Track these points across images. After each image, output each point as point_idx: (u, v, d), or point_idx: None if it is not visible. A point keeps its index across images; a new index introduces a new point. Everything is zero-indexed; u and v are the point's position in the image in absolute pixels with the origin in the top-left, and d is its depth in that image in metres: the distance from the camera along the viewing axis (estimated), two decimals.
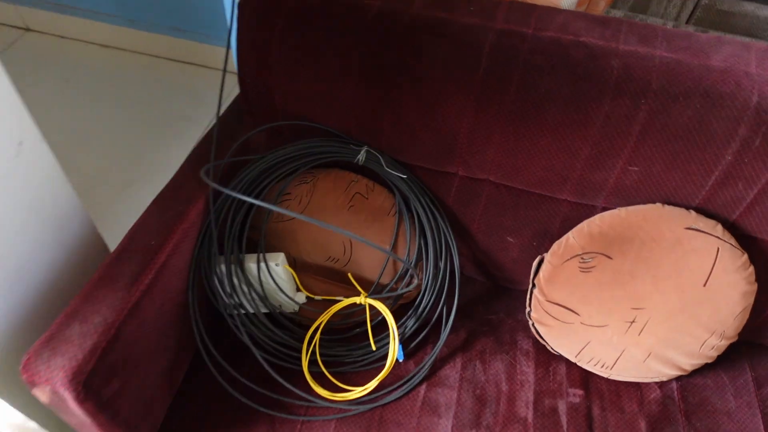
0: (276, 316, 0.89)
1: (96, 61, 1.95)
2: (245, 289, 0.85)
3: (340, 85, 0.85)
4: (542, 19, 0.83)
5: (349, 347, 0.90)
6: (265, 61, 0.86)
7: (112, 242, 0.82)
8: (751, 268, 0.82)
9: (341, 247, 0.92)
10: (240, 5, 0.84)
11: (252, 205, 0.90)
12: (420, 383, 0.89)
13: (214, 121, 1.76)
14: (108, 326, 0.67)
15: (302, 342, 0.87)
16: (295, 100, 0.88)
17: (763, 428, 0.88)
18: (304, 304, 0.90)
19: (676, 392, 0.91)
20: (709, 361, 0.88)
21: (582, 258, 0.83)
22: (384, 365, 0.87)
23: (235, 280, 0.84)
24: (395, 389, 0.87)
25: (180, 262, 0.79)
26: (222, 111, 0.96)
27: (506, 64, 0.79)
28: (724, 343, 0.86)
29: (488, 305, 1.01)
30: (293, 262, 0.94)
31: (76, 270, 0.83)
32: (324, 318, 0.88)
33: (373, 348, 0.88)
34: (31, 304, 0.75)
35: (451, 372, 0.91)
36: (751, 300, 0.83)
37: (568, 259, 0.84)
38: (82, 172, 1.59)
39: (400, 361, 0.90)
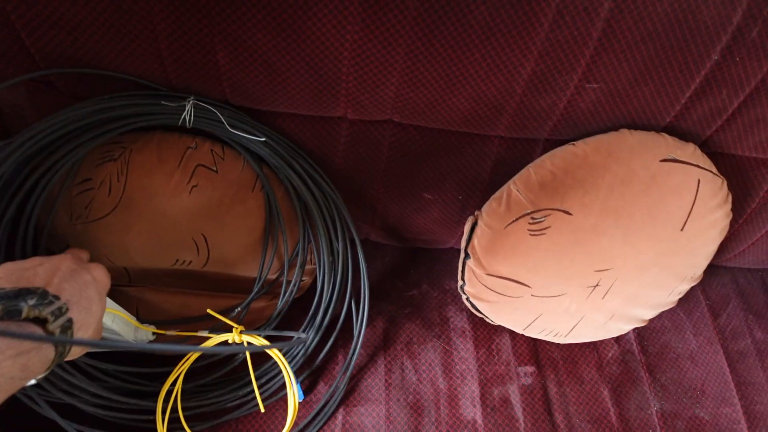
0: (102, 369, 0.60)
1: None
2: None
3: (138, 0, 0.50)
4: None
5: (227, 388, 0.64)
6: None
7: None
8: (730, 197, 0.65)
9: (191, 243, 0.63)
10: None
11: (25, 203, 0.56)
12: (336, 409, 0.66)
13: None
14: None
15: (155, 401, 0.59)
16: (66, 29, 0.51)
17: (727, 366, 0.77)
18: (151, 341, 0.61)
19: (634, 344, 0.77)
20: (672, 306, 0.73)
21: (532, 218, 0.60)
22: (283, 397, 0.63)
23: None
24: (305, 427, 0.64)
25: None
26: None
27: None
28: (687, 286, 0.71)
29: (406, 277, 0.78)
30: (125, 274, 0.64)
31: None
32: (182, 369, 0.60)
33: (257, 395, 0.62)
34: None
35: (374, 381, 0.69)
36: (725, 234, 0.67)
37: (512, 221, 0.61)
38: None
39: (300, 401, 0.65)
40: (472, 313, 0.74)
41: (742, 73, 0.57)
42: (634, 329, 0.78)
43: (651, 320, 0.77)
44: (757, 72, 0.57)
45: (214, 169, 0.61)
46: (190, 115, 0.55)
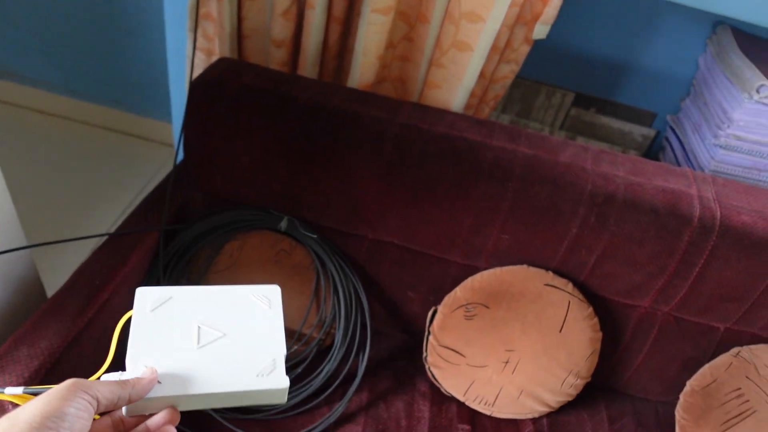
0: None
1: (35, 127, 2.03)
2: None
3: (272, 161, 1.02)
4: (436, 117, 1.06)
5: None
6: (207, 139, 1.02)
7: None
8: (596, 319, 1.03)
9: None
10: (191, 86, 1.01)
11: (189, 261, 1.03)
12: (329, 426, 1.01)
13: (145, 187, 1.86)
14: (53, 351, 0.76)
15: None
16: (232, 171, 1.04)
17: None
18: None
19: (545, 428, 1.09)
20: (570, 398, 1.07)
21: (466, 308, 1.01)
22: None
23: None
24: (311, 430, 0.98)
25: (121, 303, 0.89)
26: (153, 181, 1.09)
27: (406, 150, 1.00)
28: (580, 382, 1.05)
29: (393, 353, 1.16)
30: None
31: (15, 309, 0.91)
32: None
33: None
34: None
35: (358, 410, 1.04)
36: (598, 345, 1.04)
37: (455, 309, 1.02)
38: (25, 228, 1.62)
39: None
40: (432, 382, 1.10)
41: (592, 243, 1.01)
42: (547, 417, 1.10)
43: (560, 413, 1.09)
44: (598, 243, 1.00)
45: (289, 253, 1.07)
46: (285, 224, 1.04)
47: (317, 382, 1.02)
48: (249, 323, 0.52)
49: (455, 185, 1.00)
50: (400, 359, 1.15)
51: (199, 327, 0.50)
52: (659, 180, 1.02)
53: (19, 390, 0.45)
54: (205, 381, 0.46)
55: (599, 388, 1.16)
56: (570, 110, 1.55)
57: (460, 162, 0.99)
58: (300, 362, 1.05)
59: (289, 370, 1.03)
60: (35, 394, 0.40)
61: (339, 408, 1.00)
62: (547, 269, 1.04)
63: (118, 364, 0.47)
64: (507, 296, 1.00)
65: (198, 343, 0.49)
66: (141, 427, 0.45)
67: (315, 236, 1.05)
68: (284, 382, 0.49)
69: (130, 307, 0.51)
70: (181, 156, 1.08)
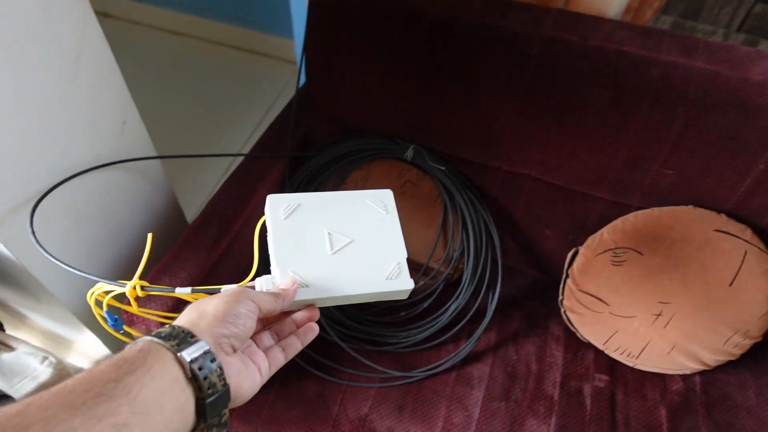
0: None
1: (166, 47, 2.11)
2: None
3: (398, 86, 0.94)
4: (589, 27, 0.89)
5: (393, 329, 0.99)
6: (329, 61, 0.95)
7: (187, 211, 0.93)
8: None
9: None
10: (310, 5, 0.94)
11: (315, 190, 1.01)
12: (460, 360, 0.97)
13: (272, 107, 1.87)
14: (192, 282, 0.78)
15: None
16: (356, 96, 0.97)
17: None
18: None
19: (698, 385, 0.97)
20: (733, 358, 0.93)
21: (614, 252, 0.89)
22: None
23: None
24: (437, 366, 0.96)
25: (251, 232, 0.90)
26: (280, 100, 1.05)
27: (551, 70, 0.86)
28: (748, 342, 0.91)
29: (525, 292, 1.09)
30: None
31: (159, 234, 0.96)
32: None
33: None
34: (125, 260, 0.87)
35: (486, 349, 0.99)
36: None
37: (600, 253, 0.90)
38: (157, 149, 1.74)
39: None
40: (567, 327, 1.01)
41: None
42: (701, 374, 0.97)
43: (717, 372, 0.96)
44: None
45: (416, 184, 1.00)
46: (411, 153, 0.97)
47: (445, 319, 0.99)
48: (372, 228, 0.56)
49: (611, 110, 0.85)
50: (534, 298, 1.07)
51: (329, 234, 0.54)
52: None
53: (188, 290, 0.54)
54: (341, 285, 0.51)
55: None
56: (754, 6, 1.25)
57: (618, 82, 0.84)
58: (427, 296, 1.01)
59: (416, 303, 1.00)
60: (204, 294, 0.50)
61: (467, 346, 0.96)
62: (719, 211, 0.88)
63: (261, 271, 0.53)
64: (666, 241, 0.86)
65: (331, 249, 0.53)
66: (288, 320, 0.51)
67: (443, 168, 0.97)
68: (410, 284, 0.54)
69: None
70: (303, 79, 1.03)
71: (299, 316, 0.51)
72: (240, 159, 0.98)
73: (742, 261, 0.85)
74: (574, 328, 0.99)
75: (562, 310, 0.99)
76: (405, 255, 0.56)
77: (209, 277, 0.80)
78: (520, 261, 1.09)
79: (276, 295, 0.47)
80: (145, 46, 2.11)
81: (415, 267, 1.03)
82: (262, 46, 2.03)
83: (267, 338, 0.49)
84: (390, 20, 0.92)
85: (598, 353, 1.00)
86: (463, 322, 0.98)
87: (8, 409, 0.30)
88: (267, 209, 0.54)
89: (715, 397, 0.95)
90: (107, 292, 0.58)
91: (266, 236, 0.54)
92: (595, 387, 0.95)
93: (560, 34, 0.88)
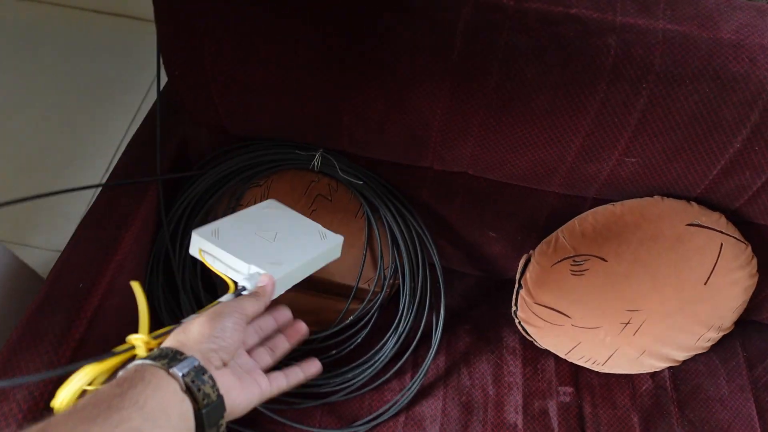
0: None
1: (12, 18, 1.71)
2: None
3: (289, 74, 0.71)
4: None
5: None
6: (194, 45, 0.71)
7: (62, 238, 0.70)
8: (755, 261, 0.76)
9: None
10: None
11: (206, 215, 0.79)
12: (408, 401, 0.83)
13: (154, 83, 1.57)
14: (36, 401, 0.57)
15: None
16: (236, 91, 0.74)
17: (756, 414, 0.85)
18: None
19: (668, 381, 0.88)
20: (703, 351, 0.83)
21: (574, 260, 0.75)
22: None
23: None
24: (382, 413, 0.80)
25: (120, 300, 0.68)
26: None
27: (485, 46, 0.66)
28: (720, 335, 0.81)
29: (471, 299, 0.94)
30: None
31: (6, 312, 0.72)
32: None
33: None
34: None
35: (435, 379, 0.85)
36: (751, 292, 0.78)
37: (558, 261, 0.76)
38: (11, 154, 1.42)
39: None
40: (522, 335, 0.88)
41: (762, 160, 0.69)
42: (669, 369, 0.88)
43: (686, 363, 0.87)
44: None
45: (329, 198, 0.81)
46: (319, 162, 0.76)
47: (386, 353, 0.83)
48: (282, 222, 0.68)
49: (560, 93, 0.67)
50: (480, 305, 0.93)
51: (258, 233, 0.63)
52: None
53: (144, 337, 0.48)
54: (295, 259, 0.60)
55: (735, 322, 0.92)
56: None
57: (567, 58, 0.66)
58: (362, 327, 0.85)
59: (349, 337, 0.84)
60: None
61: (414, 384, 0.81)
62: (688, 199, 0.74)
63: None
64: (632, 243, 0.73)
65: (270, 240, 0.62)
66: (268, 317, 0.55)
67: (360, 182, 0.77)
68: (340, 237, 0.69)
69: (130, 305, 0.53)
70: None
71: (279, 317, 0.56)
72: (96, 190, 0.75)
73: (718, 255, 0.73)
74: (531, 338, 0.86)
75: (517, 320, 0.85)
76: (318, 225, 0.70)
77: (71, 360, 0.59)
78: (461, 264, 0.94)
79: (256, 294, 0.51)
80: None
81: (342, 292, 0.85)
82: (132, 6, 1.69)
83: (264, 354, 0.51)
84: None
85: (560, 361, 0.88)
86: (408, 353, 0.83)
87: (30, 428, 0.32)
88: (197, 241, 0.58)
89: (686, 392, 0.87)
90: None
91: (202, 266, 0.64)
92: (560, 403, 0.84)
93: None
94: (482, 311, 0.93)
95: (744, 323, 0.93)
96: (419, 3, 0.67)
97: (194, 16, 0.68)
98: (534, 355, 0.88)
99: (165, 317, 0.77)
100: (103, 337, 0.65)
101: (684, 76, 0.65)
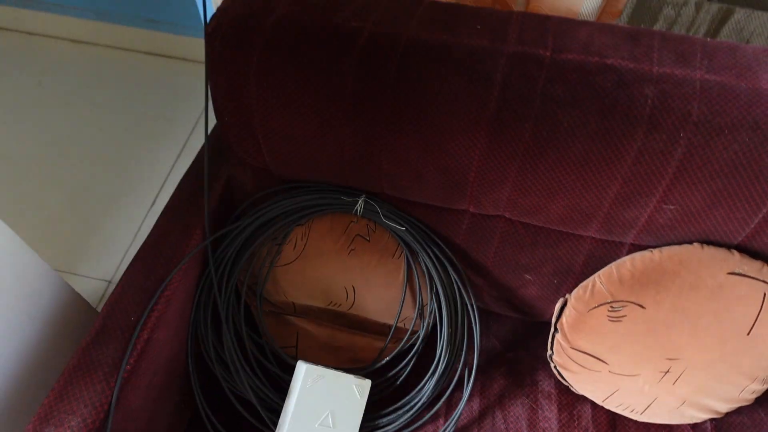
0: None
1: (68, 59, 1.83)
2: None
3: (331, 123, 0.75)
4: (561, 35, 0.72)
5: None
6: (242, 97, 0.75)
7: (109, 267, 0.74)
8: None
9: (343, 291, 0.85)
10: (208, 36, 0.73)
11: (250, 259, 0.82)
12: None
13: (200, 120, 1.64)
14: (88, 428, 0.60)
15: None
16: (281, 139, 0.78)
17: None
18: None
19: (709, 431, 0.85)
20: (747, 404, 0.81)
21: (611, 306, 0.75)
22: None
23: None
24: None
25: (166, 333, 0.71)
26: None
27: (521, 96, 0.68)
28: (765, 387, 0.79)
29: (506, 342, 0.94)
30: (292, 307, 0.87)
31: (60, 340, 0.76)
32: None
33: None
34: (8, 395, 0.67)
35: (469, 422, 0.84)
36: None
37: (594, 307, 0.76)
38: (64, 186, 1.50)
39: None
40: (558, 380, 0.87)
41: None
42: (712, 421, 0.86)
43: (729, 415, 0.85)
44: None
45: (368, 239, 0.83)
46: (362, 207, 0.79)
47: (426, 393, 0.83)
48: (330, 397, 0.76)
49: (597, 142, 0.68)
50: (516, 349, 0.93)
51: (319, 424, 0.74)
52: None
53: None
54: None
55: None
56: None
57: (604, 109, 0.67)
58: (404, 367, 0.85)
59: (390, 379, 0.84)
60: None
61: (449, 427, 0.81)
62: (729, 247, 0.74)
63: None
64: (672, 291, 0.72)
65: (330, 426, 0.74)
66: None
67: (403, 227, 0.79)
68: (368, 382, 0.78)
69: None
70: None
71: None
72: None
73: (762, 305, 0.71)
74: (567, 383, 0.85)
75: (552, 365, 0.85)
76: (351, 376, 0.78)
77: (114, 414, 0.62)
78: (498, 306, 0.94)
79: None
80: (44, 61, 1.82)
81: (379, 330, 0.87)
82: (178, 48, 1.78)
83: None
84: (314, 42, 0.72)
85: (596, 408, 0.86)
86: (444, 398, 0.83)
87: None
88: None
89: None
90: None
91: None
92: None
93: (527, 48, 0.70)
94: (518, 354, 0.93)
95: None
96: (457, 54, 0.70)
97: (241, 69, 0.73)
98: (570, 400, 0.87)
99: (210, 349, 0.80)
100: (151, 367, 0.68)
101: (723, 126, 0.66)
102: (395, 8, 0.76)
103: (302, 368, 0.74)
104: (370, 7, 0.76)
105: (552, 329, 0.82)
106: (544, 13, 0.82)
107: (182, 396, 0.79)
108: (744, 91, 0.66)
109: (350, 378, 0.76)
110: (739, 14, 1.20)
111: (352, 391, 0.76)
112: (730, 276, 0.71)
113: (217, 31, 0.75)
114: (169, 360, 0.74)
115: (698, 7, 1.21)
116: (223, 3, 0.76)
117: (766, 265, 0.72)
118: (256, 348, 0.84)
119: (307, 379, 0.74)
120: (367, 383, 0.78)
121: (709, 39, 0.72)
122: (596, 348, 0.77)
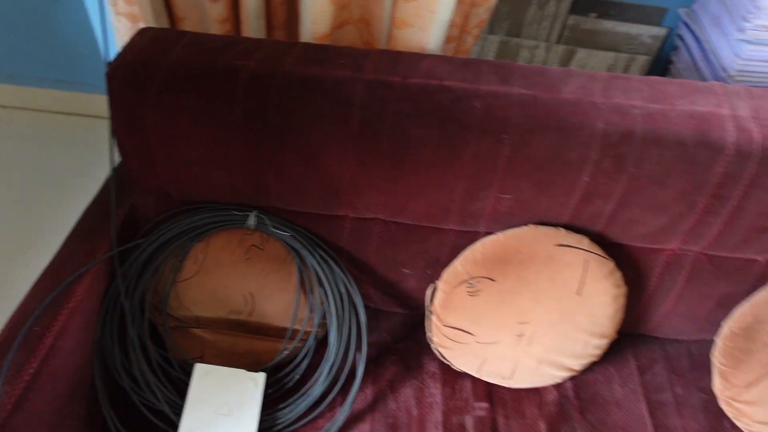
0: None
1: None
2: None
3: (223, 150, 0.86)
4: (409, 66, 0.88)
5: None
6: (141, 129, 0.85)
7: None
8: (619, 273, 0.91)
9: (242, 299, 0.94)
10: (109, 77, 0.83)
11: (153, 274, 0.90)
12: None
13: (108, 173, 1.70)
14: None
15: None
16: (179, 165, 0.88)
17: (647, 413, 0.98)
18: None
19: (570, 391, 1.00)
20: (596, 358, 0.97)
21: (469, 283, 0.89)
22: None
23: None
24: None
25: (71, 342, 0.78)
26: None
27: (377, 114, 0.83)
28: (605, 342, 0.95)
29: (396, 334, 1.06)
30: (196, 320, 0.95)
31: None
32: None
33: None
34: None
35: (364, 407, 0.95)
36: (623, 301, 0.92)
37: (456, 285, 0.90)
38: None
39: None
40: (440, 360, 1.00)
41: (608, 190, 0.86)
42: (571, 380, 1.01)
43: (585, 373, 1.00)
44: (616, 189, 0.85)
45: (261, 248, 0.93)
46: (254, 221, 0.90)
47: (320, 384, 0.92)
48: (226, 391, 0.86)
49: (441, 147, 0.84)
50: (404, 339, 1.05)
51: (216, 412, 0.83)
52: (684, 103, 0.85)
53: None
54: (250, 419, 0.84)
55: (625, 335, 1.06)
56: (567, 19, 1.34)
57: (443, 119, 0.83)
58: (298, 364, 0.95)
59: (287, 375, 0.93)
60: None
61: (342, 413, 0.91)
62: (557, 226, 0.90)
63: None
64: (514, 264, 0.88)
65: (227, 414, 0.83)
66: None
67: (288, 233, 0.91)
68: (262, 375, 0.88)
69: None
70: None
71: None
72: None
73: (585, 270, 0.88)
74: (447, 361, 0.98)
75: (432, 346, 0.97)
76: (243, 371, 0.88)
77: (14, 414, 0.68)
78: (385, 303, 1.06)
79: None
80: None
81: (278, 334, 0.96)
82: (89, 106, 1.84)
83: None
84: (203, 80, 0.84)
85: (475, 381, 0.99)
86: (339, 385, 0.93)
87: None
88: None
89: (586, 399, 0.99)
90: None
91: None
92: (476, 417, 0.95)
93: (381, 76, 0.85)
94: (407, 344, 1.04)
95: (633, 336, 1.08)
96: (325, 84, 0.84)
97: (140, 106, 0.83)
98: (452, 377, 1.00)
99: (117, 363, 0.86)
100: (56, 373, 0.74)
101: (536, 128, 0.83)
102: (274, 49, 0.90)
103: (196, 367, 0.85)
104: (253, 48, 0.89)
105: (427, 312, 0.95)
106: (398, 49, 0.99)
107: (90, 406, 0.84)
108: (550, 101, 0.84)
109: (243, 372, 0.86)
110: (581, 53, 1.45)
111: (247, 384, 0.85)
112: (558, 247, 0.87)
113: (116, 72, 0.85)
114: (77, 369, 0.80)
115: (548, 49, 1.45)
116: (123, 49, 0.86)
117: (586, 237, 0.90)
118: (163, 360, 0.91)
119: (201, 375, 0.84)
120: (261, 376, 0.87)
121: (525, 65, 0.90)
122: (462, 322, 0.91)
